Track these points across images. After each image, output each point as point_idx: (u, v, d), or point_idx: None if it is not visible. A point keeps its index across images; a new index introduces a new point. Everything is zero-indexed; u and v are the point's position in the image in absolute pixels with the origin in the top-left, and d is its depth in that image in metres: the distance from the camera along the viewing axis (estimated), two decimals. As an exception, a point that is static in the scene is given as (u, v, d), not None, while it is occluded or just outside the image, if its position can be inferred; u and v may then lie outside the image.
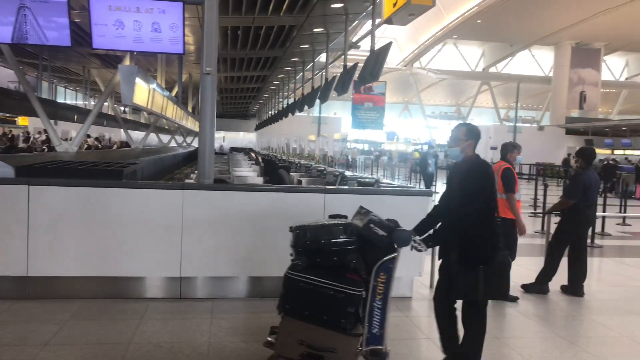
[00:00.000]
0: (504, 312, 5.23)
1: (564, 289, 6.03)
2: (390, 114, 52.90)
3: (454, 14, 32.99)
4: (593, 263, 8.13)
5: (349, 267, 3.23)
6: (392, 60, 42.66)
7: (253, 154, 18.14)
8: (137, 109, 18.12)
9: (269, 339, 3.28)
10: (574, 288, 5.95)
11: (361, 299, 3.15)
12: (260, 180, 8.16)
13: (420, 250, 3.39)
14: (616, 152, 32.53)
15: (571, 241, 6.07)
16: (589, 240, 9.12)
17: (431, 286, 5.91)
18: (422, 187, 15.59)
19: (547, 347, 4.39)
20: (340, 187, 6.49)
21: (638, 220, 11.87)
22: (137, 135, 18.51)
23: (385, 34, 39.75)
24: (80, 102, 28.16)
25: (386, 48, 6.60)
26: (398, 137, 58.65)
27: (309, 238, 3.24)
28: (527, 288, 6.02)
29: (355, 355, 3.18)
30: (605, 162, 25.15)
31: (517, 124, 39.30)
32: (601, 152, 33.64)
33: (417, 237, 3.38)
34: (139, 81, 6.62)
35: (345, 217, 3.81)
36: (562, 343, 4.47)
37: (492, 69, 44.48)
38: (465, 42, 41.99)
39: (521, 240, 9.68)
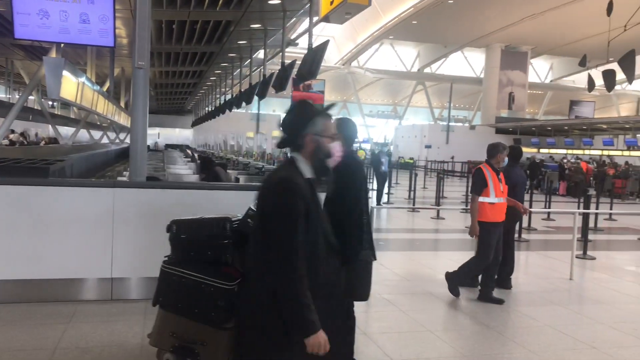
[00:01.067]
0: (436, 307, 5.39)
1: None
2: (328, 112, 53.18)
3: (391, 14, 33.62)
4: (520, 256, 8.52)
5: (226, 262, 3.26)
6: (331, 58, 42.97)
7: (189, 151, 17.78)
8: (65, 104, 17.34)
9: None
10: (502, 280, 6.20)
11: (233, 293, 3.20)
12: (195, 178, 8.01)
13: None
14: (542, 150, 34.23)
15: (499, 236, 6.32)
16: (516, 235, 9.57)
17: (367, 282, 6.00)
18: (375, 186, 15.23)
19: (478, 339, 4.56)
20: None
21: (561, 216, 12.55)
22: (66, 131, 17.71)
23: (324, 32, 40.00)
24: (2, 96, 26.61)
25: (323, 46, 6.64)
26: (336, 135, 58.94)
27: (183, 232, 3.27)
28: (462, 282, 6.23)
29: (227, 349, 3.20)
30: (531, 160, 26.44)
31: (450, 123, 40.63)
32: (528, 151, 35.37)
33: None
34: (66, 74, 6.33)
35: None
36: (492, 334, 4.65)
37: (427, 70, 45.69)
38: (401, 43, 42.89)
39: (452, 235, 10.07)
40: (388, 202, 15.18)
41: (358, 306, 5.23)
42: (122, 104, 19.44)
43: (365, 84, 50.63)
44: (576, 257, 7.36)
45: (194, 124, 37.02)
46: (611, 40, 11.82)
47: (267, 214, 2.15)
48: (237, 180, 8.19)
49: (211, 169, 7.93)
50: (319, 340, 2.04)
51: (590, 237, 9.14)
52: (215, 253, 3.22)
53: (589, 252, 8.37)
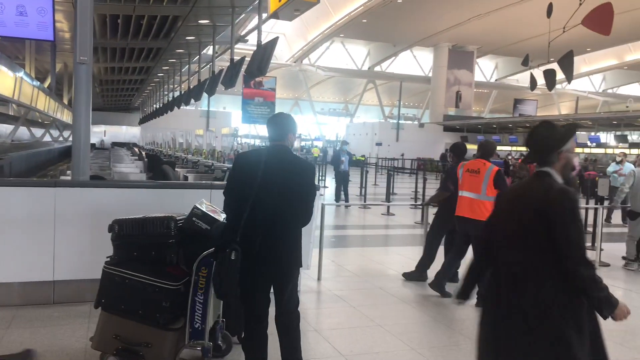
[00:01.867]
0: (386, 301, 5.46)
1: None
2: (280, 109, 53.04)
3: (341, 12, 33.83)
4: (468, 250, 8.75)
5: (170, 261, 3.20)
6: (282, 56, 42.85)
7: (136, 149, 17.34)
8: (3, 100, 16.55)
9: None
10: (453, 275, 6.33)
11: (179, 293, 3.14)
12: (143, 177, 7.82)
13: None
14: (488, 147, 35.30)
15: (447, 231, 6.45)
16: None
17: (319, 279, 6.02)
18: (333, 187, 14.59)
19: (426, 332, 4.65)
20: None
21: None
22: (4, 128, 16.90)
23: (275, 29, 39.82)
24: None
25: (273, 43, 6.60)
26: (288, 132, 58.87)
27: (125, 232, 3.21)
28: (407, 276, 6.33)
29: (173, 350, 3.18)
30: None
31: (400, 121, 41.29)
32: (474, 148, 36.39)
33: None
34: (2, 69, 6.04)
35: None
36: (439, 327, 4.76)
37: (377, 68, 46.25)
38: (352, 41, 43.24)
39: (402, 231, 10.21)
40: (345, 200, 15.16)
41: (308, 303, 5.26)
42: (66, 101, 18.74)
43: (316, 81, 50.78)
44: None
45: (141, 122, 36.12)
46: (551, 41, 12.28)
47: (563, 219, 2.29)
48: (185, 178, 8.05)
49: (159, 167, 7.77)
50: (622, 308, 2.31)
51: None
52: (159, 253, 3.15)
53: (531, 245, 8.68)
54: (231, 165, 3.26)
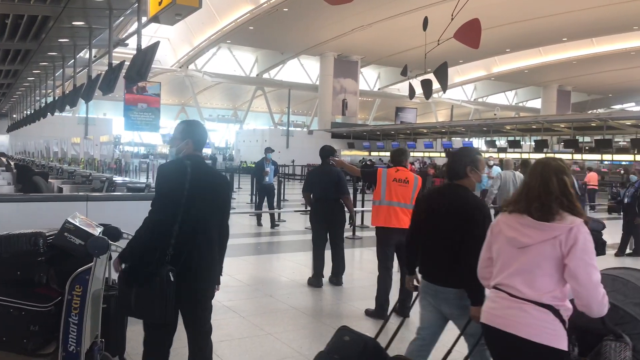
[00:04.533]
0: (277, 309, 5.45)
1: (330, 280, 6.52)
2: (166, 115, 51.39)
3: (228, 19, 33.50)
4: (354, 253, 9.02)
5: (40, 281, 3.00)
6: (167, 61, 41.50)
7: (4, 159, 15.86)
8: None
9: None
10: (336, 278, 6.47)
11: (50, 315, 2.94)
12: (11, 189, 7.15)
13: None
14: (373, 153, 36.74)
15: (315, 233, 6.56)
16: (350, 233, 10.11)
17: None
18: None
19: (316, 337, 4.70)
20: (106, 194, 6.04)
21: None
22: None
23: (159, 33, 38.48)
24: None
25: (154, 47, 6.35)
26: (175, 140, 57.06)
27: None
28: (309, 281, 6.37)
29: None
30: (363, 162, 28.17)
31: (290, 128, 41.71)
32: (360, 154, 37.77)
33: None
34: None
35: (114, 227, 3.59)
36: (329, 330, 4.82)
37: (266, 75, 46.35)
38: (239, 48, 42.95)
39: (293, 237, 10.24)
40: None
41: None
42: None
43: (204, 87, 49.75)
44: (403, 251, 7.97)
45: (10, 129, 33.10)
46: (427, 53, 13.04)
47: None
48: (60, 190, 7.48)
49: (29, 178, 7.15)
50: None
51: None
52: (26, 272, 2.88)
53: (414, 246, 9.13)
54: (172, 176, 2.98)
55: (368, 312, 5.25)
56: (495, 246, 2.46)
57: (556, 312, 2.22)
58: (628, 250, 9.21)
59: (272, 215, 11.65)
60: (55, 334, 2.94)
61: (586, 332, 2.35)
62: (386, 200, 5.25)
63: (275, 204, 12.19)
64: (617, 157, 24.41)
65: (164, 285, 2.81)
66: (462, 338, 3.00)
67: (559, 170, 2.33)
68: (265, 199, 12.01)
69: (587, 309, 2.19)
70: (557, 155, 27.69)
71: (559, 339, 2.20)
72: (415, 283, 3.32)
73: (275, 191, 12.26)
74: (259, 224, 11.81)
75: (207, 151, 52.36)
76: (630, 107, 56.26)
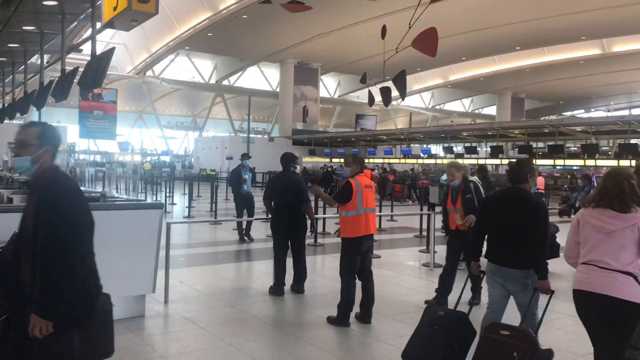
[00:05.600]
0: (237, 318, 5.37)
1: (292, 288, 6.48)
2: (123, 123, 50.29)
3: (186, 25, 33.10)
4: (316, 261, 9.00)
5: None
6: (124, 67, 40.65)
7: (-50, 169, 15.17)
8: None
9: None
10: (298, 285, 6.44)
11: None
12: (-45, 201, 6.82)
13: None
14: (334, 160, 36.88)
15: (276, 241, 6.53)
16: (311, 240, 10.09)
17: (166, 301, 5.74)
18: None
19: (277, 346, 4.65)
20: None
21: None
22: None
23: (115, 39, 37.70)
24: None
25: (109, 53, 6.20)
26: (133, 147, 56.09)
27: None
28: (271, 290, 6.31)
29: None
30: (324, 169, 28.24)
31: (250, 135, 41.45)
32: (321, 160, 37.85)
33: None
34: None
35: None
36: (290, 339, 4.79)
37: (225, 82, 45.95)
38: (198, 54, 42.49)
39: (255, 245, 10.13)
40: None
41: (154, 329, 4.97)
42: None
43: (161, 94, 48.91)
44: (364, 258, 7.98)
45: (-44, 138, 31.71)
46: (386, 61, 13.24)
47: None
48: (9, 200, 7.19)
49: (-25, 189, 6.84)
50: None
51: (376, 237, 10.05)
52: None
53: (375, 252, 9.18)
54: (69, 195, 2.62)
55: (330, 320, 5.23)
56: (583, 233, 3.21)
57: (635, 278, 3.01)
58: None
59: (242, 226, 10.69)
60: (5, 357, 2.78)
61: None
62: (363, 208, 5.25)
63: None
64: (568, 162, 25.26)
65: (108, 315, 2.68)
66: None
67: (627, 176, 3.17)
68: (245, 210, 10.76)
69: None
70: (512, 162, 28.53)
71: (639, 296, 2.96)
72: (480, 269, 3.98)
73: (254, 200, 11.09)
74: (249, 238, 10.52)
75: (165, 159, 51.58)
76: (580, 114, 58.45)
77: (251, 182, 11.19)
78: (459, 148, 33.33)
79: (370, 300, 5.33)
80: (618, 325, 2.98)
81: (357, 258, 5.26)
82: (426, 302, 5.85)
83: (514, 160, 4.28)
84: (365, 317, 5.27)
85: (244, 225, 10.67)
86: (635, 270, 3.03)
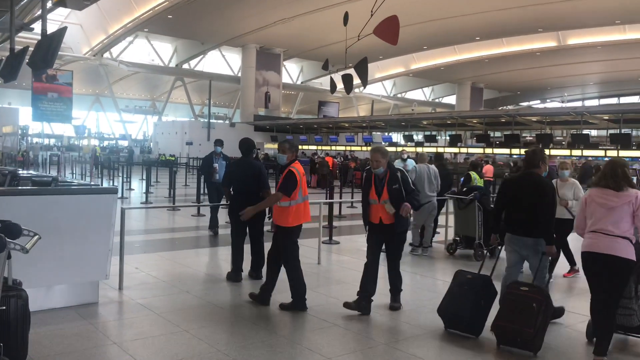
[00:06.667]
0: (193, 305, 5.32)
1: (250, 275, 6.46)
2: (79, 105, 48.82)
3: (145, 6, 32.24)
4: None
5: None
6: (80, 48, 39.34)
7: None
8: None
9: None
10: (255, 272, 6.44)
11: None
12: None
13: None
14: (296, 146, 36.75)
15: (234, 227, 6.49)
16: (269, 227, 10.07)
17: (120, 288, 5.64)
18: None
19: (232, 332, 4.65)
20: (7, 188, 5.64)
21: (311, 205, 13.61)
22: None
23: (70, 18, 36.43)
24: None
25: (60, 33, 5.98)
26: (90, 131, 54.55)
27: None
28: (228, 276, 6.27)
29: None
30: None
31: (211, 120, 40.90)
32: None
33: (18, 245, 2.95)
34: None
35: (14, 224, 3.34)
36: (246, 324, 4.79)
37: (186, 66, 45.05)
38: (157, 37, 41.45)
39: (209, 232, 9.94)
40: (146, 202, 14.41)
41: (108, 315, 4.89)
42: None
43: (120, 77, 47.60)
44: (323, 243, 8.04)
45: None
46: (348, 48, 13.22)
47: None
48: None
49: None
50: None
51: (335, 223, 10.12)
52: None
53: (334, 238, 9.26)
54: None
55: (284, 307, 5.22)
56: (589, 209, 4.19)
57: (631, 241, 4.02)
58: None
59: (217, 217, 9.84)
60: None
61: None
62: (302, 197, 5.31)
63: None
64: (524, 151, 25.93)
65: None
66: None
67: (622, 164, 4.17)
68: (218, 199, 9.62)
69: None
70: (470, 150, 29.12)
71: (634, 254, 4.01)
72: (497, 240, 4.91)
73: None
74: (215, 231, 9.69)
75: (123, 143, 50.36)
76: (536, 104, 60.07)
77: (224, 169, 9.35)
78: (419, 136, 33.76)
79: (274, 285, 5.39)
80: (617, 275, 4.03)
81: (295, 246, 5.33)
82: (345, 304, 5.19)
83: (530, 149, 5.04)
84: (265, 300, 5.34)
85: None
86: (630, 236, 4.01)
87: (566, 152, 25.02)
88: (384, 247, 5.42)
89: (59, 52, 6.83)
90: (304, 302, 5.20)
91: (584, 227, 4.22)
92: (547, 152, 23.96)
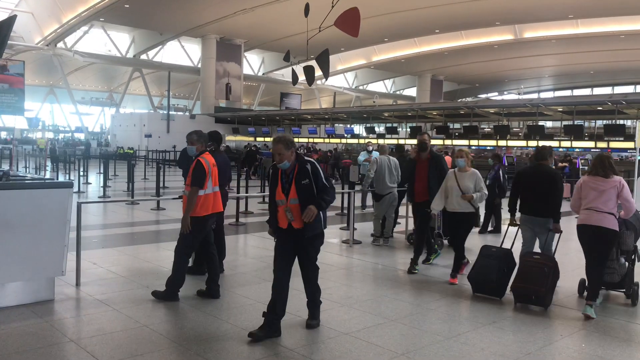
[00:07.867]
0: (152, 299, 5.24)
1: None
2: (33, 97, 47.21)
3: (100, -5, 31.32)
4: (238, 240, 8.95)
5: None
6: (32, 38, 37.93)
7: None
8: None
9: None
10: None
11: None
12: None
13: None
14: (258, 139, 36.54)
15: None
16: (233, 220, 10.02)
17: (77, 284, 5.51)
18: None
19: (194, 326, 4.59)
20: (-46, 183, 5.40)
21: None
22: None
23: (22, 6, 35.10)
24: None
25: (9, 21, 5.74)
26: (44, 123, 52.80)
27: None
28: (191, 270, 6.17)
29: None
30: (248, 148, 27.97)
31: (171, 112, 40.19)
32: (245, 139, 37.41)
33: None
34: None
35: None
36: (208, 319, 4.75)
37: (144, 57, 44.01)
38: (114, 26, 40.33)
39: (174, 225, 9.85)
40: (104, 196, 14.08)
41: (65, 312, 4.77)
42: None
43: (75, 68, 46.15)
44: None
45: None
46: (310, 40, 13.18)
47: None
48: None
49: None
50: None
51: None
52: None
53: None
54: None
55: (157, 294, 5.21)
56: (583, 192, 5.19)
57: (616, 217, 5.07)
58: (490, 228, 10.05)
59: None
60: None
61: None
62: (212, 186, 5.31)
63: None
64: (482, 142, 26.48)
65: None
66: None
67: (608, 157, 5.24)
68: None
69: (627, 213, 5.19)
70: (432, 142, 29.54)
71: (617, 226, 5.09)
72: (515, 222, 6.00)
73: None
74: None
75: (80, 136, 48.95)
76: (494, 96, 61.35)
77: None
78: (380, 128, 34.04)
79: (217, 274, 5.44)
80: (605, 242, 5.10)
81: (199, 237, 5.31)
82: (250, 334, 4.24)
83: (539, 146, 6.45)
84: (214, 293, 5.34)
85: None
86: (614, 212, 5.07)
87: (522, 142, 25.71)
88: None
89: (9, 42, 6.57)
90: (176, 294, 5.21)
91: (579, 206, 5.27)
92: (504, 143, 24.64)
